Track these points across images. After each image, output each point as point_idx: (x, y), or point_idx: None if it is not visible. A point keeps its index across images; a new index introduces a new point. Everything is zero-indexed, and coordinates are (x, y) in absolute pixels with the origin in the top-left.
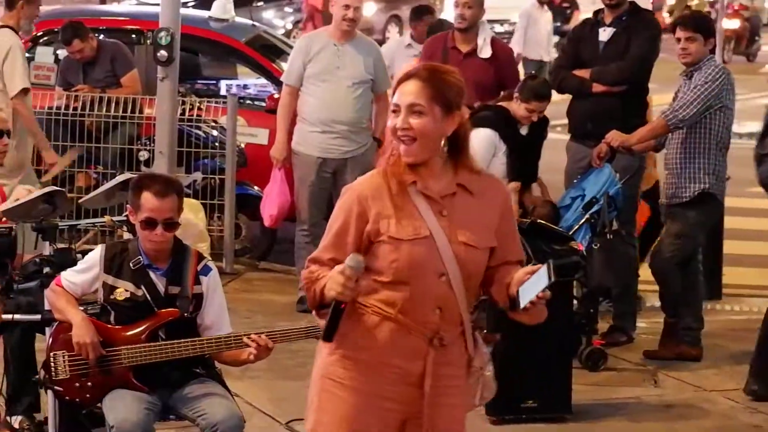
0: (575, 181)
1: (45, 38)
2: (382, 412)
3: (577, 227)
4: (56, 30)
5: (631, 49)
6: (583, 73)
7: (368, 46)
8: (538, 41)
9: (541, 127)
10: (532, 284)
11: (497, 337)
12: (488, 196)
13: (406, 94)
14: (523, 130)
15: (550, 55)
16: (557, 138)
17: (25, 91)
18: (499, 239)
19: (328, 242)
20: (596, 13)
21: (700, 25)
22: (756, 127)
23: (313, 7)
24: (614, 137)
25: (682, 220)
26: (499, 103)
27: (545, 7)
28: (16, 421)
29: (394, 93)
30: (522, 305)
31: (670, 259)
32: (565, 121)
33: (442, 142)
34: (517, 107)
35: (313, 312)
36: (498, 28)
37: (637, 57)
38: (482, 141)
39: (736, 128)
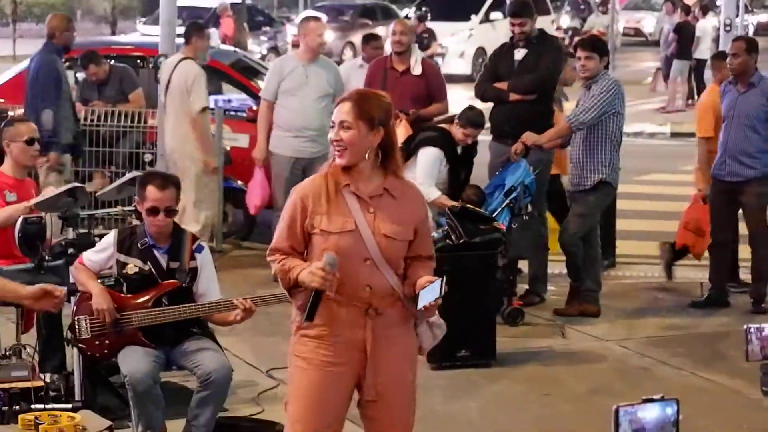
0: (497, 173)
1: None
2: (335, 376)
3: (499, 210)
4: (75, 57)
5: (539, 65)
6: (502, 85)
7: (329, 65)
8: None
9: (472, 147)
10: (429, 292)
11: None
12: (408, 200)
13: (339, 113)
14: (459, 149)
15: None
16: (481, 139)
17: (204, 110)
18: (417, 238)
19: (283, 233)
20: (512, 38)
21: (596, 45)
22: (640, 127)
23: (224, 34)
24: (528, 137)
25: (584, 203)
26: (442, 125)
27: None
28: (47, 374)
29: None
30: (418, 306)
31: (575, 234)
32: (488, 124)
33: (373, 153)
34: (455, 131)
35: (286, 291)
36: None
37: (544, 71)
38: (431, 157)
39: (626, 129)
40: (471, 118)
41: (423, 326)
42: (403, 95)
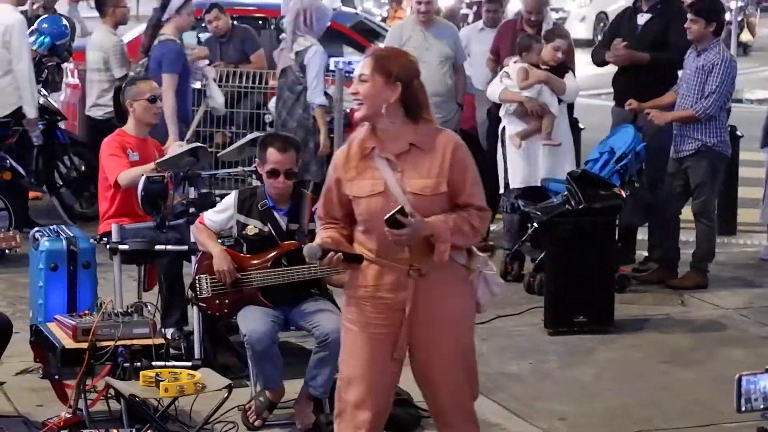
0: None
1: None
2: (380, 337)
3: (608, 177)
4: (198, 18)
5: (671, 38)
6: (641, 57)
7: (447, 27)
8: None
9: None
10: None
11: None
12: (438, 150)
13: (359, 68)
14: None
15: None
16: (603, 104)
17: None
18: (450, 185)
19: (321, 202)
20: (635, 2)
21: (701, 10)
22: (766, 94)
23: None
24: (657, 116)
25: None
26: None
27: None
28: (168, 332)
29: None
30: None
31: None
32: (610, 89)
33: (394, 109)
34: (545, 51)
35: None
36: (554, 15)
37: (679, 46)
38: None
39: (748, 95)
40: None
41: (479, 281)
42: None
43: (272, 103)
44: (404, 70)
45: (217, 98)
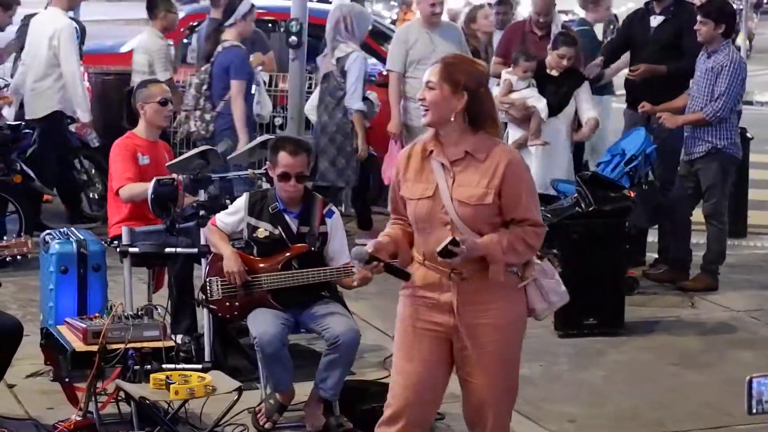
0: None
1: (197, 27)
2: (427, 333)
3: (618, 178)
4: (199, 22)
5: (684, 42)
6: (659, 70)
7: (452, 29)
8: None
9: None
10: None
11: (554, 252)
12: (493, 162)
13: (427, 74)
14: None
15: None
16: (614, 107)
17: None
18: (504, 200)
19: (390, 196)
20: (647, 3)
21: (710, 12)
22: None
23: None
24: (669, 119)
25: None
26: None
27: None
28: (178, 338)
29: None
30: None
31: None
32: (622, 91)
33: (460, 117)
34: (550, 58)
35: None
36: (563, 17)
37: (692, 49)
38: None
39: (759, 98)
40: (559, 38)
41: (531, 288)
42: (540, 56)
43: (308, 106)
44: (471, 78)
45: (265, 105)
